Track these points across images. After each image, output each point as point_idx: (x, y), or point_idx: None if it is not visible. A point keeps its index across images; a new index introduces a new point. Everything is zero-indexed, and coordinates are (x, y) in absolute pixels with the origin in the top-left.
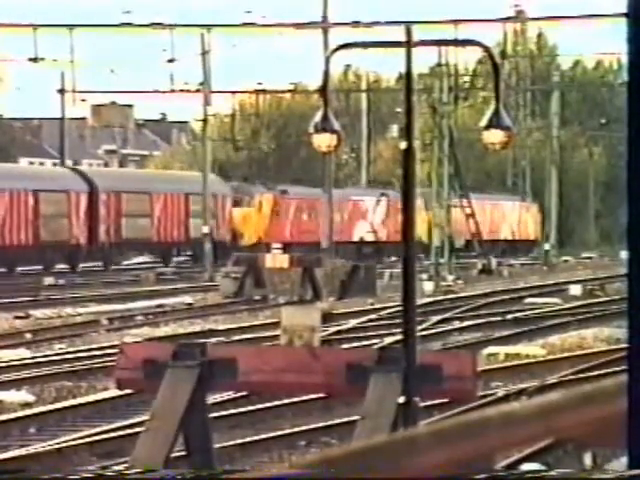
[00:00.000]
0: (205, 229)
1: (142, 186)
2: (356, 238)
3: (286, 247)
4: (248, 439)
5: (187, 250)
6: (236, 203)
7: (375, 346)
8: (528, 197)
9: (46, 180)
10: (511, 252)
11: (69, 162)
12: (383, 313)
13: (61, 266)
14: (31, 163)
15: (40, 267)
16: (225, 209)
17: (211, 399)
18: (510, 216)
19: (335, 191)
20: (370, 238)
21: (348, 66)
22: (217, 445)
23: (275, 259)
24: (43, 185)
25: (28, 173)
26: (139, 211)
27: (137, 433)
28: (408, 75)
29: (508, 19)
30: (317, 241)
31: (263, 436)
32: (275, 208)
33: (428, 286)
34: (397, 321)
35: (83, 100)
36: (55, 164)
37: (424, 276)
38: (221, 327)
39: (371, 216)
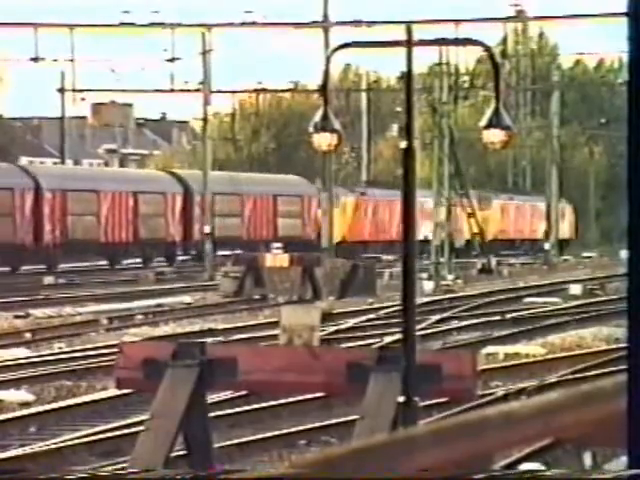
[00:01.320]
0: (206, 229)
1: (235, 188)
2: (421, 237)
3: (365, 245)
4: (248, 438)
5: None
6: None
7: (375, 345)
8: (562, 199)
9: (145, 183)
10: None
11: (69, 161)
12: (383, 313)
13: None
14: (31, 162)
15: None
16: (311, 210)
17: (210, 399)
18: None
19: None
20: (431, 238)
21: (348, 65)
22: (217, 445)
23: (275, 258)
24: (143, 187)
25: (129, 176)
26: (233, 211)
27: (137, 433)
28: (408, 74)
29: (508, 19)
30: (392, 239)
31: (263, 435)
32: (357, 209)
33: (428, 285)
34: (397, 320)
35: (83, 99)
36: (55, 163)
37: (424, 275)
38: (221, 326)
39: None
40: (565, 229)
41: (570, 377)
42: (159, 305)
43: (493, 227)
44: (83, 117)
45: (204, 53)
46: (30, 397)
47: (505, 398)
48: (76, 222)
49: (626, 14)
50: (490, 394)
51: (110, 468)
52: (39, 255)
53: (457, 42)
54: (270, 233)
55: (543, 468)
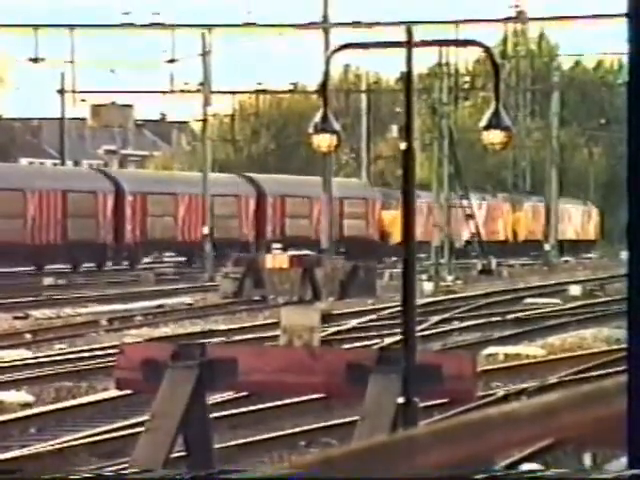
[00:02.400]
0: (205, 230)
1: (304, 190)
2: (465, 238)
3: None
4: (248, 439)
5: (340, 247)
6: (385, 206)
7: (375, 346)
8: (589, 201)
9: (219, 186)
10: (574, 250)
11: (69, 162)
12: (383, 313)
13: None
14: (31, 163)
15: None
16: (375, 212)
17: (213, 399)
18: (574, 218)
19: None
20: (474, 238)
21: (348, 66)
22: (217, 445)
23: (275, 259)
24: (216, 190)
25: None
26: (301, 213)
27: (137, 433)
28: (408, 75)
29: (508, 19)
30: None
31: (263, 436)
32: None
33: (428, 286)
34: (397, 321)
35: (83, 100)
36: (55, 164)
37: (424, 276)
38: (221, 327)
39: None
40: (590, 230)
41: (571, 378)
42: (159, 306)
43: (524, 228)
44: (83, 118)
45: (204, 54)
46: (30, 398)
47: (505, 399)
48: (155, 223)
49: (626, 15)
50: (490, 395)
51: (111, 469)
52: (120, 253)
53: (457, 43)
54: (336, 233)
55: (543, 468)
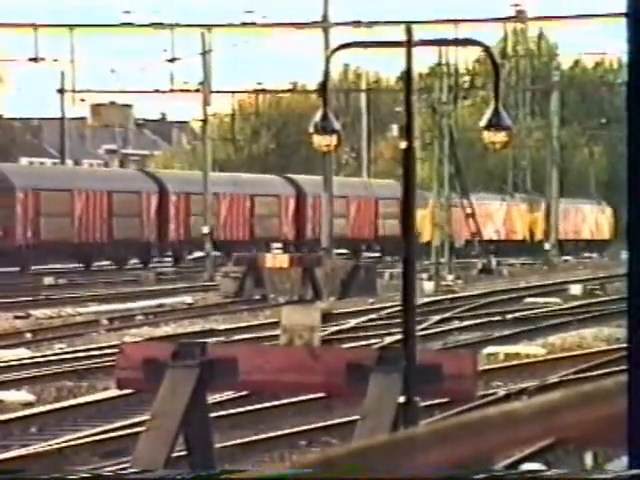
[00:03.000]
0: (205, 229)
1: (342, 191)
2: (486, 237)
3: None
4: (248, 439)
5: (375, 246)
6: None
7: (375, 346)
8: (603, 201)
9: (264, 186)
10: (589, 249)
11: (69, 162)
12: (383, 313)
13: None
14: (31, 163)
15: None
16: None
17: (212, 399)
18: (589, 218)
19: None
20: (495, 237)
21: (347, 65)
22: (218, 445)
23: (275, 259)
24: (261, 190)
25: (246, 180)
26: (338, 212)
27: (138, 433)
28: (408, 75)
29: (508, 19)
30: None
31: (263, 436)
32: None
33: (428, 286)
34: (397, 321)
35: (83, 100)
36: (55, 164)
37: (424, 276)
38: (221, 327)
39: (497, 218)
40: (605, 230)
41: (571, 377)
42: (160, 305)
43: (541, 229)
44: (83, 118)
45: (204, 53)
46: (31, 398)
47: (506, 398)
48: (198, 221)
49: (626, 14)
50: (491, 394)
51: (111, 468)
52: (164, 250)
53: (457, 42)
54: (371, 233)
55: (544, 468)
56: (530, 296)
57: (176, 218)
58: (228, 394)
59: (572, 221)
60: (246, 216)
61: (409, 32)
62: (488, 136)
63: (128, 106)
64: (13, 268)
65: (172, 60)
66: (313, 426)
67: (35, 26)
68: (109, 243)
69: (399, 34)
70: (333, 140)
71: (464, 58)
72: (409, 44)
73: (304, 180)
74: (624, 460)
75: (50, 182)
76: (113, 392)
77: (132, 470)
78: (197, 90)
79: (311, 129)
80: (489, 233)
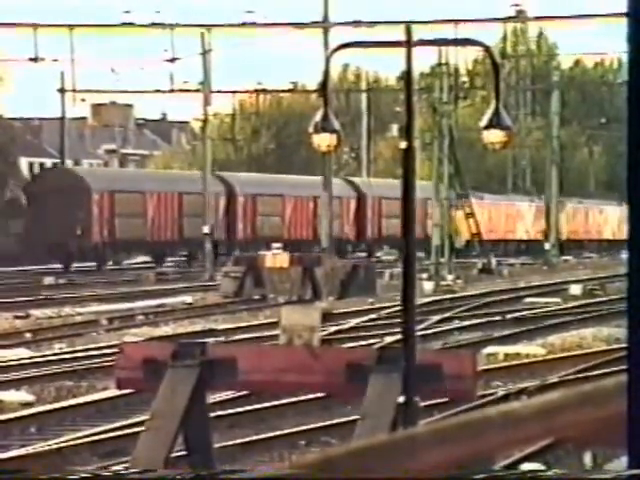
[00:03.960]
0: (205, 229)
1: (394, 193)
2: (518, 237)
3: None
4: (248, 439)
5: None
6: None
7: (375, 346)
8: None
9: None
10: (611, 249)
11: (69, 162)
12: (383, 313)
13: None
14: (31, 163)
15: None
16: (421, 212)
17: (212, 398)
18: (612, 219)
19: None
20: (524, 237)
21: (347, 66)
22: (218, 445)
23: (275, 259)
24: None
25: (309, 183)
26: (393, 213)
27: (137, 433)
28: (408, 75)
29: (508, 19)
30: (501, 238)
31: (263, 436)
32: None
33: (428, 285)
34: (397, 320)
35: (83, 100)
36: (55, 164)
37: (424, 275)
38: (221, 327)
39: (526, 218)
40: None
41: (571, 377)
42: (160, 305)
43: (566, 229)
44: (83, 118)
45: (204, 53)
46: (30, 397)
47: (506, 398)
48: (264, 221)
49: (626, 14)
50: (491, 394)
51: (111, 468)
52: (232, 248)
53: (457, 42)
54: (419, 233)
55: (544, 468)
56: (530, 296)
57: (244, 218)
58: (228, 394)
59: (596, 221)
60: (309, 217)
61: (409, 32)
62: (488, 136)
63: (129, 106)
64: (90, 263)
65: (172, 60)
66: (313, 426)
67: (35, 26)
68: (180, 241)
69: (399, 34)
70: (333, 140)
71: (464, 58)
72: (409, 44)
73: (363, 182)
74: (624, 460)
75: (123, 184)
76: (113, 392)
77: (132, 470)
78: (197, 90)
79: (311, 129)
80: (520, 233)
